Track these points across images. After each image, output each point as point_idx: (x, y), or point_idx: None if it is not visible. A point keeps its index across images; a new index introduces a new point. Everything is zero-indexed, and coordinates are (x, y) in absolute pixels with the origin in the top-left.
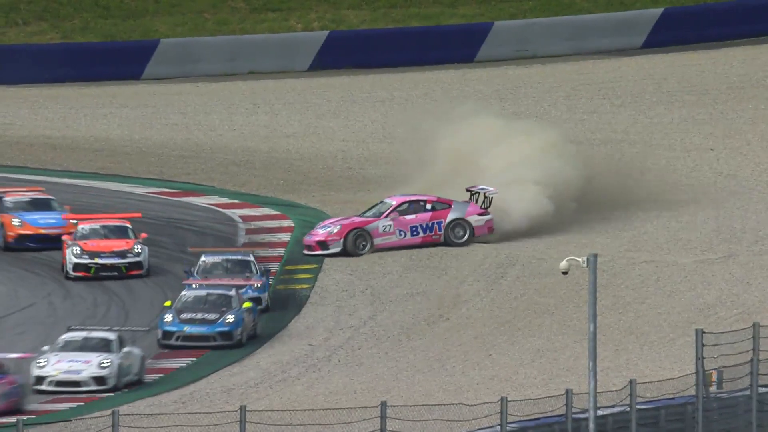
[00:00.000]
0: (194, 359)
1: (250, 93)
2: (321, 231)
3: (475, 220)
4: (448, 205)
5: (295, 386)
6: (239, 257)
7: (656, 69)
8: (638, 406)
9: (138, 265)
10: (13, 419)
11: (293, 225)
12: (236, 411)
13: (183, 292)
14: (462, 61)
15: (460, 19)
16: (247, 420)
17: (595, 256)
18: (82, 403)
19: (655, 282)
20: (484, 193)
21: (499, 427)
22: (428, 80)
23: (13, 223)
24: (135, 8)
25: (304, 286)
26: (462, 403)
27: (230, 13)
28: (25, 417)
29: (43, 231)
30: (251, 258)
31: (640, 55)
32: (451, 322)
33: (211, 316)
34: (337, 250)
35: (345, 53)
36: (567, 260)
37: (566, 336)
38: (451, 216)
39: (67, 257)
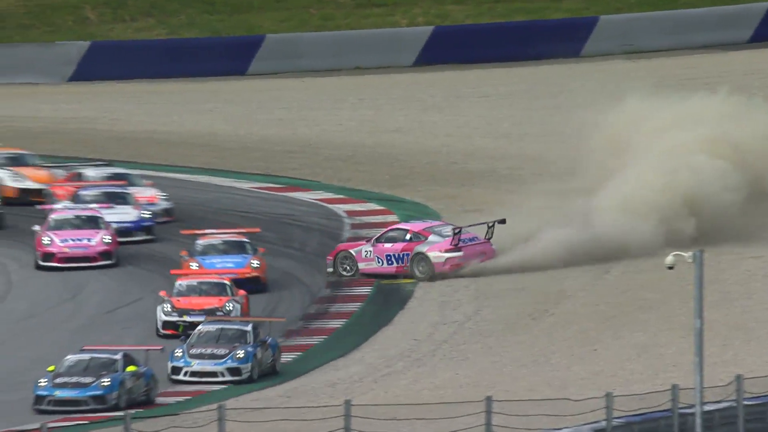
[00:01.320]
0: (299, 354)
1: (355, 88)
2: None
3: (434, 256)
4: (425, 237)
5: (399, 381)
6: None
7: (764, 63)
8: (745, 402)
9: None
10: (121, 413)
11: (398, 220)
12: (341, 405)
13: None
14: (567, 55)
15: (564, 14)
16: (352, 414)
17: (701, 251)
18: (190, 397)
19: (763, 277)
20: (489, 224)
21: (604, 422)
22: (533, 75)
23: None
24: (240, 4)
25: (409, 281)
26: (567, 399)
27: (335, 8)
28: (133, 411)
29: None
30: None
31: (747, 49)
32: (556, 317)
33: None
34: (330, 270)
35: (450, 48)
36: (673, 255)
37: (672, 331)
38: (416, 249)
39: (158, 314)
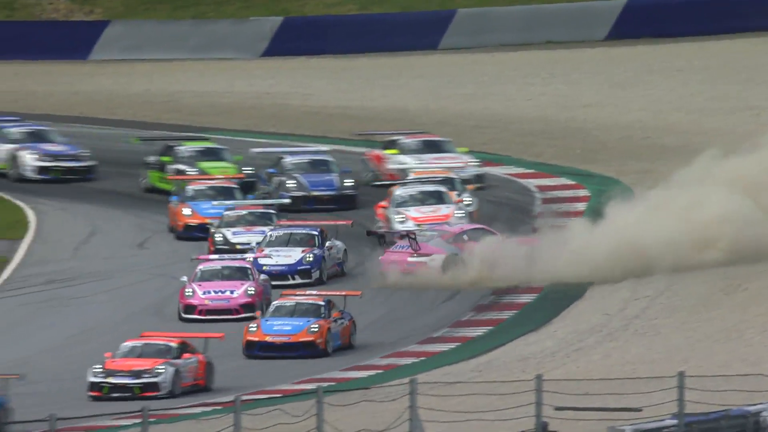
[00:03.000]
0: (491, 328)
1: (546, 62)
2: None
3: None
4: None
5: (591, 355)
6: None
7: None
8: None
9: None
10: (312, 386)
11: (589, 195)
12: (532, 380)
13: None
14: (762, 29)
15: None
16: (544, 389)
17: None
18: (381, 371)
19: None
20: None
21: None
22: (727, 49)
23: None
24: None
25: None
26: (762, 374)
27: None
28: (325, 384)
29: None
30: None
31: None
32: (750, 292)
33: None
34: None
35: (643, 22)
36: None
37: None
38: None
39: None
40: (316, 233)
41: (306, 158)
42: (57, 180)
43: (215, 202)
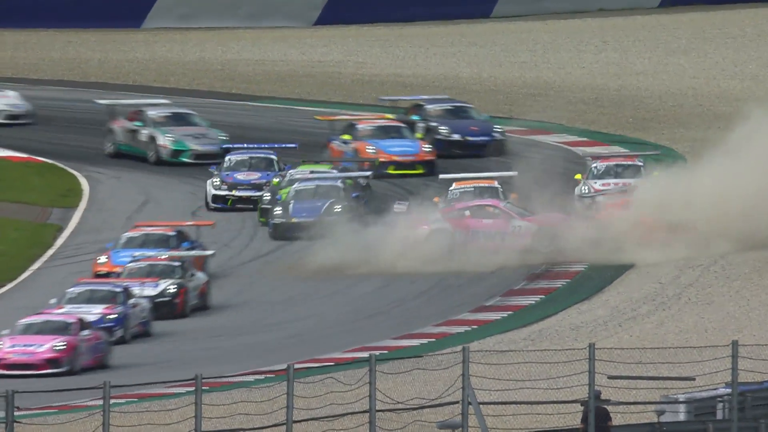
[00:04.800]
0: (543, 296)
1: (599, 30)
2: None
3: None
4: None
5: (644, 324)
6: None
7: None
8: None
9: None
10: (365, 354)
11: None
12: (585, 348)
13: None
14: None
15: None
16: (596, 358)
17: None
18: (433, 339)
19: None
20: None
21: None
22: None
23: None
24: None
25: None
26: None
27: None
28: (377, 353)
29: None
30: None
31: None
32: None
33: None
34: None
35: None
36: None
37: None
38: None
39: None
40: (118, 290)
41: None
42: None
43: (137, 253)
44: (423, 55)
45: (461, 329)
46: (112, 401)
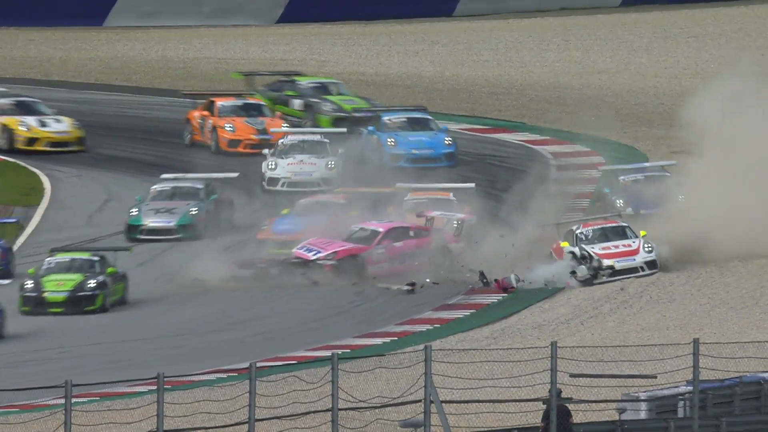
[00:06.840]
0: (504, 296)
1: (561, 29)
2: None
3: None
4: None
5: (606, 322)
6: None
7: None
8: None
9: None
10: (327, 353)
11: (604, 162)
12: (547, 347)
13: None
14: None
15: None
16: (558, 356)
17: None
18: (396, 338)
19: None
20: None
21: None
22: (743, 15)
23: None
24: None
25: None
26: None
27: None
28: (339, 351)
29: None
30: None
31: None
32: (766, 259)
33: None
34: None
35: None
36: None
37: None
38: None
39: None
40: None
41: None
42: None
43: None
44: (386, 54)
45: (423, 328)
46: (73, 400)
